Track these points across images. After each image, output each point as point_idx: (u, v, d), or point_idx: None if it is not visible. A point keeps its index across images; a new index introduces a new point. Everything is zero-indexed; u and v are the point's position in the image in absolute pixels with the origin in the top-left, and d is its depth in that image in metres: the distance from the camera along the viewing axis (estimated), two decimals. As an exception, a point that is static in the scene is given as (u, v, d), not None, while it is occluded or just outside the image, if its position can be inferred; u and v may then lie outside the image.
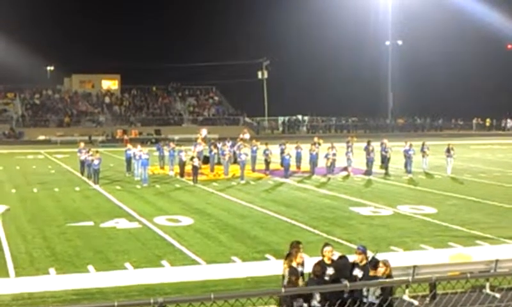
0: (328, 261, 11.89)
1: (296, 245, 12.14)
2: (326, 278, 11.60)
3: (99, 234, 21.02)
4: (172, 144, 38.98)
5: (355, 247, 14.06)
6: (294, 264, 11.67)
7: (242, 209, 25.91)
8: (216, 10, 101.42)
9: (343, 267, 12.00)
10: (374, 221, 23.31)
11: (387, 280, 10.97)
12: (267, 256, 17.94)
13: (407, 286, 13.41)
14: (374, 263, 11.60)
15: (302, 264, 11.89)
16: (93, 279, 15.76)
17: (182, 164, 35.71)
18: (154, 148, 43.13)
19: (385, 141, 39.92)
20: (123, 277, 15.84)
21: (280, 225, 22.64)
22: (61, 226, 22.16)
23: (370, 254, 12.28)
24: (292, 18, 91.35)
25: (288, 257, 11.83)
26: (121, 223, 22.67)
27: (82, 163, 36.16)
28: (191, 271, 16.42)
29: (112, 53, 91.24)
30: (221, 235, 20.90)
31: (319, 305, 10.93)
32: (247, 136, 44.49)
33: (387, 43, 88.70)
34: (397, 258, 16.79)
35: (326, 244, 12.56)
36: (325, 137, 54.86)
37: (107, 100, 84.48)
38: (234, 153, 38.71)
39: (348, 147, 38.62)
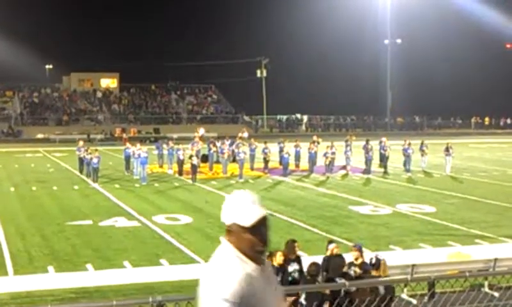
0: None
1: (291, 244, 12.16)
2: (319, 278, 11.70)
3: (98, 232, 21.01)
4: (171, 143, 38.96)
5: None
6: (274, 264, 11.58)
7: (241, 208, 25.83)
8: (215, 9, 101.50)
9: (336, 266, 12.04)
10: (373, 220, 23.31)
11: (385, 279, 10.96)
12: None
13: (405, 285, 13.40)
14: (376, 263, 11.66)
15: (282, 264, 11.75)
16: (91, 277, 15.75)
17: (181, 163, 35.70)
18: (153, 147, 43.10)
19: (384, 139, 39.91)
20: (122, 276, 15.84)
21: (278, 224, 22.60)
22: (59, 225, 22.14)
23: (369, 254, 12.28)
24: (291, 16, 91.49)
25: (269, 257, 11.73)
26: (120, 222, 22.66)
27: (81, 161, 36.14)
28: (190, 269, 16.39)
29: (111, 51, 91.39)
30: (220, 233, 20.75)
31: (305, 302, 11.01)
32: (245, 135, 44.46)
33: (386, 41, 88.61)
34: (396, 257, 16.81)
35: (331, 241, 12.68)
36: (324, 135, 54.84)
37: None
38: (233, 151, 38.70)
39: (347, 146, 38.56)
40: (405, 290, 13.77)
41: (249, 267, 3.64)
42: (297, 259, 12.29)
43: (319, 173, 36.23)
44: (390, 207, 25.80)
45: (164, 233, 20.81)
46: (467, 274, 7.15)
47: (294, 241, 12.48)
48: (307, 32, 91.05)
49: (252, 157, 38.74)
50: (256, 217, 3.68)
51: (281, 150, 37.83)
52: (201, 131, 47.79)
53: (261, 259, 3.71)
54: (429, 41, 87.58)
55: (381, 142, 39.67)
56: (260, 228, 3.68)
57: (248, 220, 3.66)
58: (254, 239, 3.66)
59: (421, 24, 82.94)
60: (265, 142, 39.23)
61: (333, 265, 12.17)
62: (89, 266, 16.69)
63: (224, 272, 3.61)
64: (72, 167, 39.47)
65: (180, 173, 35.54)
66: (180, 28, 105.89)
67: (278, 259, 11.62)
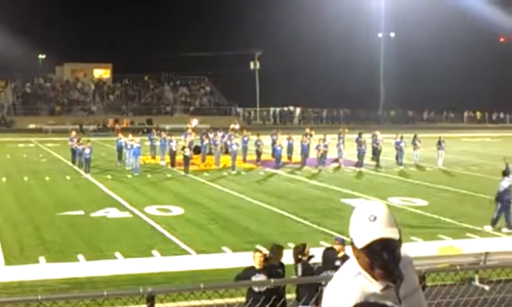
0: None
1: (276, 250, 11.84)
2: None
3: (89, 223, 20.98)
4: (164, 134, 38.90)
5: (346, 238, 14.07)
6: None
7: (233, 199, 25.91)
8: (208, 0, 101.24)
9: (330, 258, 11.99)
10: (365, 213, 23.28)
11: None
12: (258, 246, 17.93)
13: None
14: None
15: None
16: (83, 268, 15.74)
17: (173, 154, 35.68)
18: (146, 138, 43.03)
19: (377, 132, 39.92)
20: (113, 267, 15.82)
21: (270, 216, 22.66)
22: (51, 215, 22.11)
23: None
24: (285, 9, 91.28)
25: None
26: (112, 212, 22.63)
27: (74, 152, 36.05)
28: (181, 261, 16.42)
29: (105, 42, 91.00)
30: (212, 225, 20.90)
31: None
32: (237, 126, 44.43)
33: (380, 35, 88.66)
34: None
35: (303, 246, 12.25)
36: (317, 128, 54.85)
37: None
38: (225, 143, 38.66)
39: (339, 139, 38.63)
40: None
41: (372, 286, 3.12)
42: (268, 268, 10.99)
43: (311, 166, 36.24)
44: (381, 200, 25.82)
45: (155, 224, 20.80)
46: (458, 267, 7.18)
47: (279, 247, 11.93)
48: (300, 25, 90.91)
49: (245, 149, 38.72)
50: (371, 238, 3.04)
51: (273, 142, 37.81)
52: (195, 122, 47.78)
53: (385, 279, 3.13)
54: (422, 35, 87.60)
55: (373, 135, 39.68)
56: (377, 251, 3.05)
57: (360, 242, 3.07)
58: (370, 262, 3.08)
59: (415, 18, 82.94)
60: (258, 135, 39.18)
61: (327, 258, 12.11)
62: (80, 257, 16.67)
63: (340, 289, 3.15)
64: (64, 157, 39.38)
65: (173, 164, 35.53)
66: (173, 19, 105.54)
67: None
